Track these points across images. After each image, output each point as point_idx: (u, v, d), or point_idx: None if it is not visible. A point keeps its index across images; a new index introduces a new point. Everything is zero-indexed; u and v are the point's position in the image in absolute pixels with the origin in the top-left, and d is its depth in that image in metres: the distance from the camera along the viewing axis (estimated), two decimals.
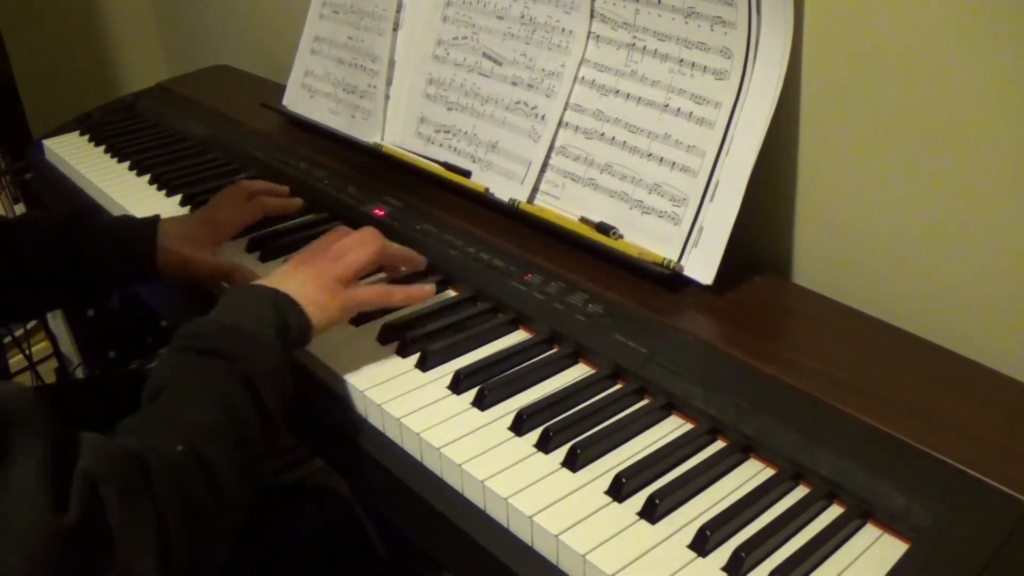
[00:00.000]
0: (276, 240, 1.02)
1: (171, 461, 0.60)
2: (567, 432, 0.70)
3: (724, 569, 0.59)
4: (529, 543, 0.64)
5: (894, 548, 0.61)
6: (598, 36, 0.96)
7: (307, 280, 0.78)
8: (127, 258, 0.95)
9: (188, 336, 0.71)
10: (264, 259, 1.00)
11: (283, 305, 0.75)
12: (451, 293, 0.91)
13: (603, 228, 0.93)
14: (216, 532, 0.63)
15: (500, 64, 1.05)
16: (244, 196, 1.03)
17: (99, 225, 0.97)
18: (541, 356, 0.81)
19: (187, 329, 0.72)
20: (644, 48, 0.91)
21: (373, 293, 0.82)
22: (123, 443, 0.60)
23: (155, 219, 0.97)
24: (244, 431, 0.67)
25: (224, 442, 0.64)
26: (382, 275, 0.91)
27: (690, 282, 0.86)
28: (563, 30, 0.99)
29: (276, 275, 0.80)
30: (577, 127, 0.97)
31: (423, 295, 0.84)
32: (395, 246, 0.87)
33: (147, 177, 1.23)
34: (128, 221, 0.99)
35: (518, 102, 1.03)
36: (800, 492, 0.66)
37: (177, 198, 1.16)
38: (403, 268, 0.91)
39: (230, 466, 0.64)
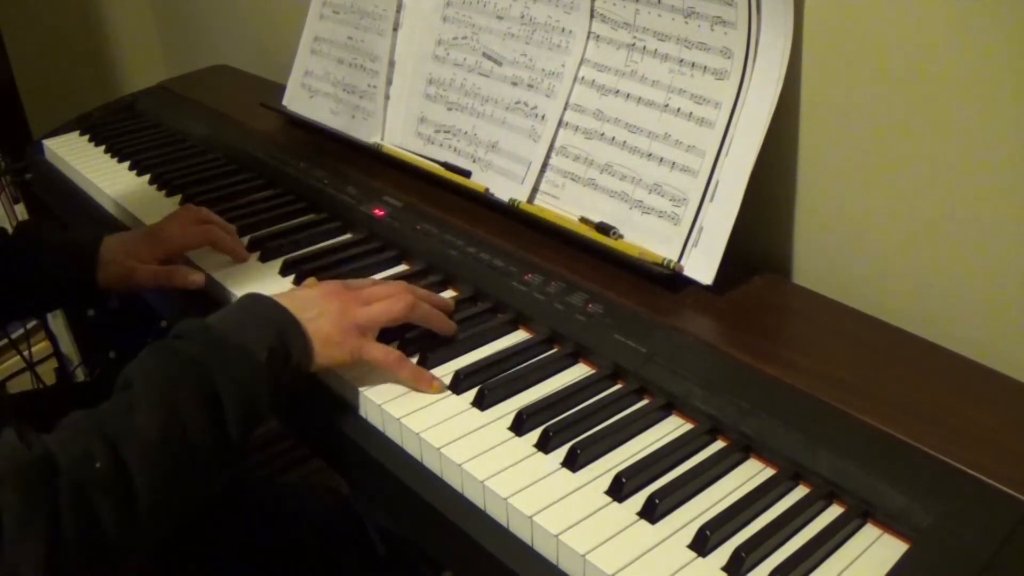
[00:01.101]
0: (276, 240, 1.02)
1: (85, 476, 0.59)
2: (567, 432, 0.70)
3: (724, 569, 0.59)
4: (529, 543, 0.64)
5: (894, 548, 0.61)
6: (598, 36, 0.96)
7: (326, 312, 0.75)
8: (67, 272, 0.96)
9: (177, 334, 0.71)
10: (264, 259, 1.00)
11: (289, 331, 0.73)
12: (451, 293, 0.91)
13: (603, 228, 0.93)
14: (115, 555, 0.61)
15: (500, 64, 1.05)
16: (195, 219, 1.00)
17: (43, 243, 0.98)
18: (541, 356, 0.81)
19: (181, 326, 0.71)
20: (644, 48, 0.91)
21: (383, 356, 0.76)
22: (42, 448, 0.59)
23: (99, 235, 0.97)
24: (188, 454, 0.64)
25: (158, 463, 0.62)
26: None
27: (690, 282, 0.86)
28: (563, 30, 0.99)
29: (298, 298, 0.77)
30: (577, 127, 0.97)
31: (431, 387, 0.76)
32: (425, 308, 0.81)
33: (147, 177, 1.22)
34: (72, 238, 0.99)
35: (518, 102, 1.03)
36: (800, 492, 0.66)
37: (177, 198, 1.16)
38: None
39: (154, 489, 0.62)
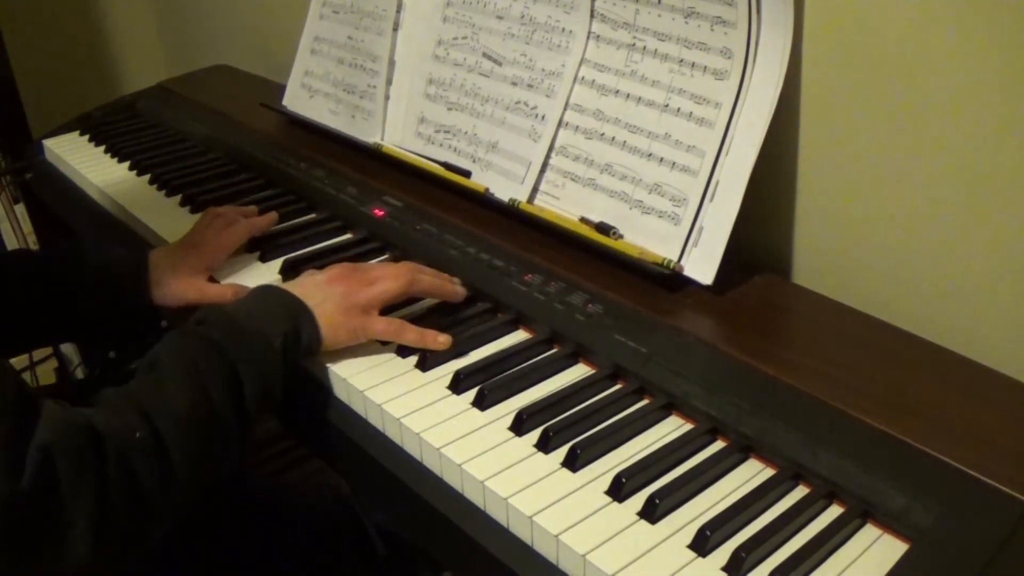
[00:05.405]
0: (276, 240, 1.02)
1: (128, 445, 0.64)
2: (567, 432, 0.70)
3: (724, 569, 0.59)
4: (529, 543, 0.64)
5: (894, 548, 0.61)
6: (598, 36, 0.96)
7: (331, 296, 0.80)
8: (120, 296, 0.93)
9: (199, 321, 0.76)
10: (264, 259, 1.00)
11: (300, 316, 0.78)
12: None
13: (603, 228, 0.93)
14: (155, 517, 0.66)
15: (500, 64, 1.05)
16: (224, 224, 0.99)
17: (89, 264, 0.95)
18: (541, 356, 0.81)
19: (201, 315, 0.77)
20: (644, 48, 0.91)
21: (385, 327, 0.81)
22: (85, 419, 0.63)
23: (144, 254, 0.95)
24: (215, 428, 0.70)
25: (190, 435, 0.68)
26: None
27: (690, 282, 0.86)
28: (563, 30, 0.99)
29: (306, 284, 0.82)
30: (577, 127, 0.97)
31: (436, 343, 0.80)
32: (427, 281, 0.86)
33: (147, 177, 1.23)
34: (118, 257, 0.96)
35: (518, 102, 1.03)
36: (800, 492, 0.66)
37: (177, 198, 1.16)
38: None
39: (188, 458, 0.67)
